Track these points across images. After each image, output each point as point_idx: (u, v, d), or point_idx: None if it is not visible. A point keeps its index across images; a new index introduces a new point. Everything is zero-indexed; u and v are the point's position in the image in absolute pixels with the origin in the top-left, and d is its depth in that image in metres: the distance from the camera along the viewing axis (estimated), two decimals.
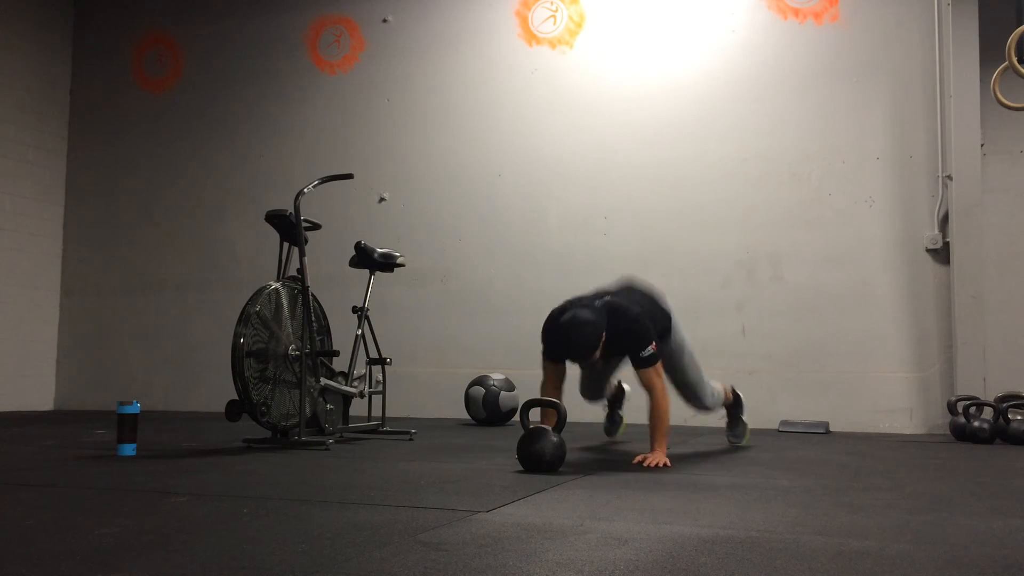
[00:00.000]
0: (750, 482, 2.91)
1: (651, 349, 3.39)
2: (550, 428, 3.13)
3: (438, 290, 6.41)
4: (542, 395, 3.47)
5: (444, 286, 6.41)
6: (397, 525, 2.02)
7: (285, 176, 6.69)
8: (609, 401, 4.50)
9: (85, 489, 2.60)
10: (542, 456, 3.07)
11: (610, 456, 3.76)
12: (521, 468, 3.12)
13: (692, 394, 3.89)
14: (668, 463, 3.32)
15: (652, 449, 3.40)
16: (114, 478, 2.85)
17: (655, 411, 3.42)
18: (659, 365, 3.44)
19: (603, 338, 3.31)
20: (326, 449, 3.78)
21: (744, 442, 4.27)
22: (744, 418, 4.29)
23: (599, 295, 3.56)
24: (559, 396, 3.48)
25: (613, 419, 4.57)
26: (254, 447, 3.86)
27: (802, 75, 5.80)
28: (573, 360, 3.49)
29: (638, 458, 3.37)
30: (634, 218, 6.03)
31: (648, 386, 3.43)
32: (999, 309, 5.50)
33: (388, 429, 4.54)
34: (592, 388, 4.15)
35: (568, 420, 3.21)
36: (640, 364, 3.41)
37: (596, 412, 5.21)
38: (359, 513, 2.19)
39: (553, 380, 3.53)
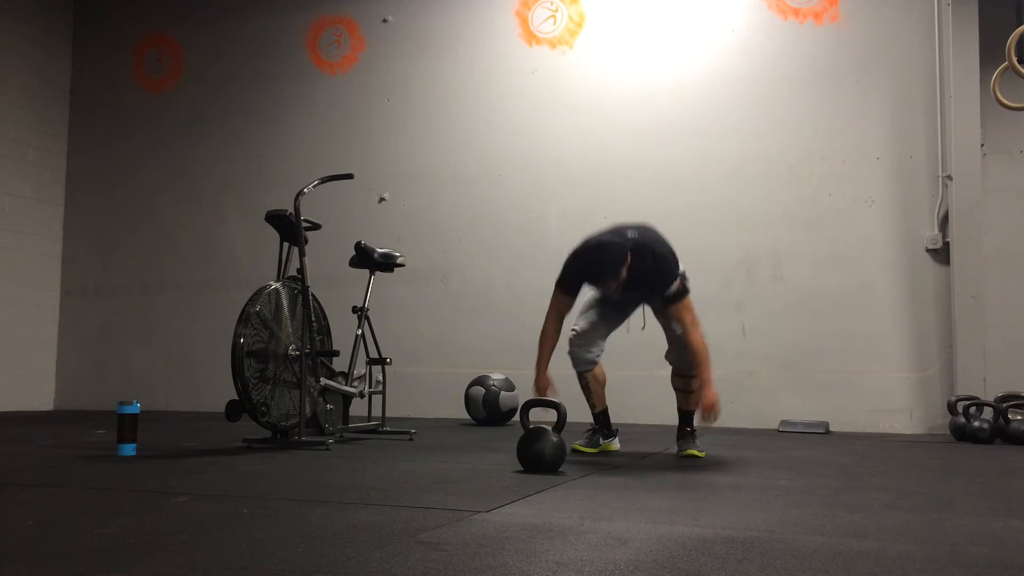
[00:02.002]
0: (750, 482, 2.91)
1: (676, 286, 3.46)
2: (550, 428, 3.13)
3: (438, 290, 6.41)
4: (544, 328, 3.63)
5: (444, 286, 6.41)
6: (397, 525, 2.02)
7: (285, 176, 6.68)
8: (599, 420, 3.91)
9: (85, 489, 2.60)
10: (542, 456, 3.07)
11: (610, 456, 3.75)
12: (521, 468, 3.12)
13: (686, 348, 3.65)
14: (716, 399, 3.38)
15: (700, 387, 3.43)
16: (114, 478, 2.85)
17: (693, 345, 3.45)
18: (688, 300, 3.51)
19: (628, 260, 3.42)
20: (326, 449, 3.77)
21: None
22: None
23: (621, 228, 3.63)
24: (558, 329, 3.64)
25: (593, 440, 3.88)
26: (254, 447, 3.86)
27: (802, 75, 5.80)
28: (598, 281, 3.52)
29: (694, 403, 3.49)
30: (634, 218, 5.96)
31: (679, 320, 3.48)
32: (999, 309, 5.50)
33: (388, 429, 4.53)
34: (593, 335, 3.77)
35: (568, 420, 3.21)
36: (668, 300, 3.50)
37: None
38: (359, 513, 2.18)
39: (558, 311, 3.64)
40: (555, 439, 3.10)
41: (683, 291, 3.50)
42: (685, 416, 3.79)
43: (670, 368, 3.79)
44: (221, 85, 7.15)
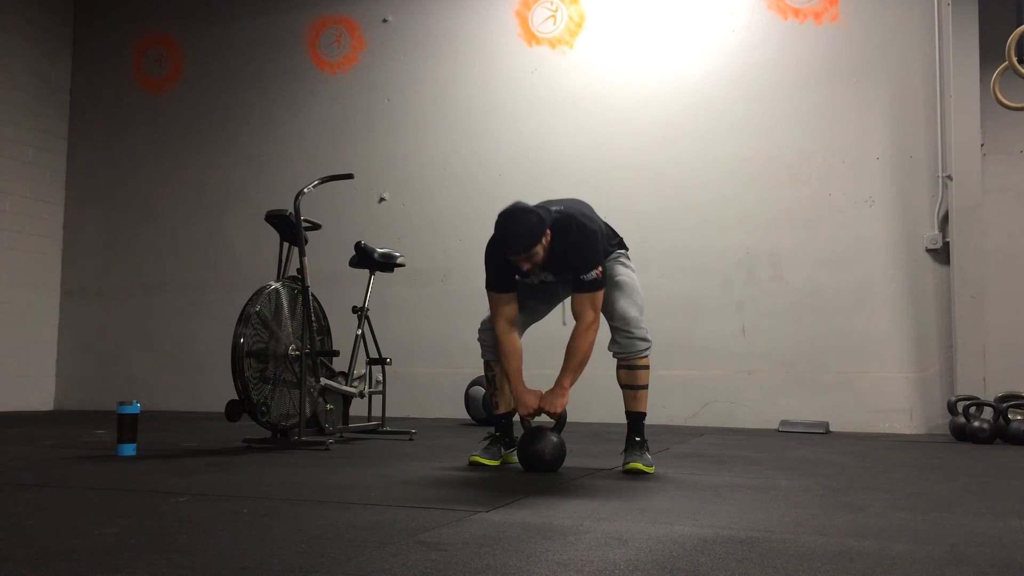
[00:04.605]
0: (750, 482, 2.91)
1: (596, 274, 3.04)
2: (550, 428, 3.13)
3: (438, 290, 6.41)
4: (500, 346, 3.19)
5: (444, 286, 6.40)
6: (397, 525, 2.02)
7: (285, 176, 6.69)
8: (501, 425, 3.37)
9: (85, 489, 2.60)
10: (542, 456, 3.07)
11: (610, 456, 3.75)
12: (521, 468, 3.11)
13: (629, 317, 3.14)
14: (560, 409, 3.03)
15: (556, 384, 3.05)
16: (114, 478, 2.85)
17: (576, 341, 3.05)
18: (598, 296, 3.07)
19: (548, 236, 3.02)
20: (326, 449, 3.78)
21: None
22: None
23: (547, 202, 3.22)
24: (514, 339, 3.19)
25: (493, 451, 3.30)
26: (254, 447, 3.86)
27: (802, 75, 5.80)
28: (514, 254, 3.03)
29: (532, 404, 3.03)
30: (634, 218, 6.01)
31: (579, 314, 3.07)
32: (999, 309, 5.50)
33: (388, 429, 4.54)
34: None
35: (568, 420, 3.21)
36: (580, 287, 3.07)
37: (598, 411, 5.21)
38: (359, 513, 2.19)
39: (499, 315, 3.22)
40: (555, 439, 3.10)
41: (598, 283, 3.06)
42: (633, 420, 3.18)
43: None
44: (221, 85, 7.15)
